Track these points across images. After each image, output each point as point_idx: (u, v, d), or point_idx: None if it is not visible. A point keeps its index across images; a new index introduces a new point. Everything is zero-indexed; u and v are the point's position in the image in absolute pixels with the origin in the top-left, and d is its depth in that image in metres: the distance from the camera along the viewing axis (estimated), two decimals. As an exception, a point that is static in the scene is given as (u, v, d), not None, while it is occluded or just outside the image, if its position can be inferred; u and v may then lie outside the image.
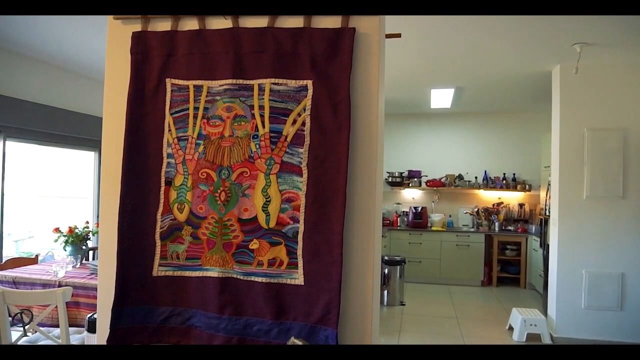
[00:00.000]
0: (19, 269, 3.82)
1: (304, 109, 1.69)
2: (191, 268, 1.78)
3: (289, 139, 1.70)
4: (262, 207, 1.71)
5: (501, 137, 7.41)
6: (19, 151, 5.19)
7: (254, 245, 1.71)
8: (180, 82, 1.81)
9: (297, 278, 1.67)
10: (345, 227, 1.63)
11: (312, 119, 1.68)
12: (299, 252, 1.67)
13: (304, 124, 1.68)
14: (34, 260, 4.41)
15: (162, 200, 1.80)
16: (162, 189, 1.81)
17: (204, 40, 1.78)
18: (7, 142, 4.55)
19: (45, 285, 3.49)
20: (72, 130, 5.14)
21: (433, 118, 7.61)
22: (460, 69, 4.96)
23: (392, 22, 3.13)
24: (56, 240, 4.13)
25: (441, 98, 6.32)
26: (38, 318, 2.93)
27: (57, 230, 4.16)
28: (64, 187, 6.06)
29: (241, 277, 1.72)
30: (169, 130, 1.81)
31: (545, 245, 5.52)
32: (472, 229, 7.20)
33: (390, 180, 7.57)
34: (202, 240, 1.76)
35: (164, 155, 1.81)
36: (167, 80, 1.81)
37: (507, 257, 6.99)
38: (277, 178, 1.70)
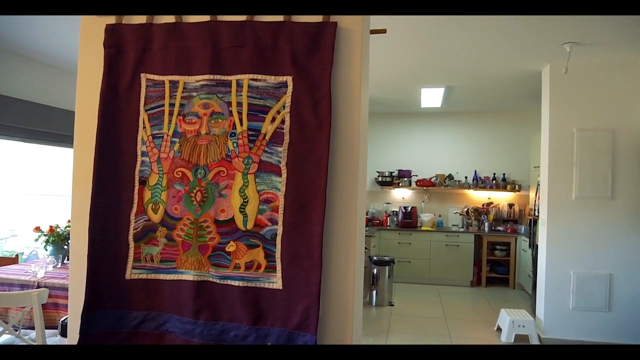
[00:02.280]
0: (-2, 269, 3.72)
1: (284, 106, 1.62)
2: (166, 271, 1.71)
3: (267, 137, 1.63)
4: (240, 208, 1.64)
5: (491, 137, 7.39)
6: (2, 148, 5.08)
7: (230, 247, 1.65)
8: (156, 77, 1.73)
9: (275, 282, 1.61)
10: (326, 229, 1.57)
11: (292, 116, 1.61)
12: (278, 255, 1.61)
13: (283, 121, 1.62)
14: (14, 260, 4.31)
15: (136, 200, 1.73)
16: (136, 188, 1.73)
17: (181, 33, 1.71)
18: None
19: (24, 286, 3.39)
20: (57, 126, 5.02)
21: (423, 117, 7.57)
22: (450, 68, 4.92)
23: (380, 19, 3.07)
24: (37, 240, 4.03)
25: (431, 97, 6.28)
26: (13, 320, 2.85)
27: (37, 229, 4.06)
28: (48, 185, 5.95)
29: (217, 281, 1.66)
30: (144, 128, 1.73)
31: (534, 246, 5.50)
32: (462, 229, 7.18)
33: (380, 179, 7.53)
34: (177, 242, 1.69)
35: (138, 153, 1.74)
36: (142, 75, 1.74)
37: (497, 257, 6.98)
38: (255, 178, 1.64)
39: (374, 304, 5.79)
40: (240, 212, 1.64)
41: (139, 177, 1.73)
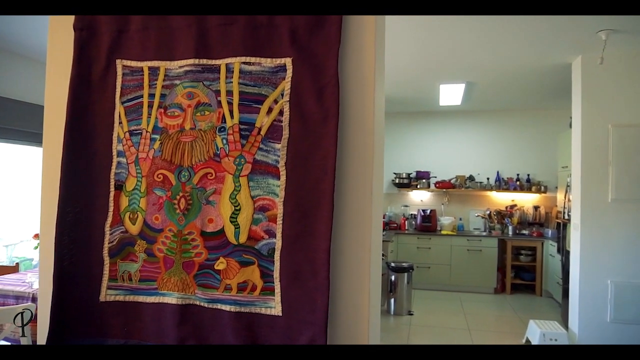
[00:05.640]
0: (-6, 278, 3.55)
1: (282, 95, 1.35)
2: (146, 292, 1.44)
3: (263, 132, 1.36)
4: (231, 217, 1.37)
5: (515, 136, 7.02)
6: (14, 152, 4.97)
7: (220, 265, 1.38)
8: (133, 63, 1.48)
9: (274, 307, 1.33)
10: (333, 242, 1.29)
11: (292, 106, 1.34)
12: (276, 274, 1.33)
13: (281, 112, 1.35)
14: (14, 269, 4.13)
15: (111, 209, 1.47)
16: (112, 194, 1.48)
17: (162, 11, 1.45)
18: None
19: (18, 297, 3.24)
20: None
21: (442, 116, 7.25)
22: (471, 63, 4.60)
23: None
24: (36, 248, 3.85)
25: (451, 94, 5.96)
26: (3, 333, 2.67)
27: (37, 236, 3.86)
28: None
29: (205, 305, 1.39)
30: (120, 123, 1.48)
31: (563, 251, 5.14)
32: (484, 233, 6.82)
33: (397, 181, 7.22)
34: (158, 257, 1.43)
35: (114, 153, 1.48)
36: (118, 61, 1.49)
37: (522, 262, 6.60)
38: (248, 181, 1.36)
39: (392, 312, 5.48)
40: (232, 222, 1.37)
41: (115, 181, 1.48)
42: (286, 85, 1.34)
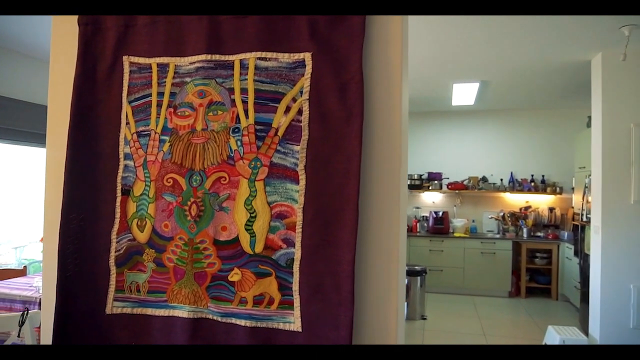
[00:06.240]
0: (1, 282, 3.48)
1: (301, 92, 1.25)
2: (155, 305, 1.35)
3: (280, 133, 1.26)
4: (246, 225, 1.27)
5: (529, 136, 6.87)
6: (21, 153, 4.93)
7: (234, 276, 1.28)
8: (141, 60, 1.38)
9: (293, 322, 1.23)
10: (358, 252, 1.18)
11: (312, 105, 1.23)
12: (295, 287, 1.23)
13: (300, 112, 1.24)
14: (22, 272, 4.07)
15: (118, 215, 1.38)
16: (118, 199, 1.38)
17: (171, 4, 1.36)
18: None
19: (26, 302, 3.18)
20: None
21: (455, 116, 7.12)
22: (485, 61, 4.48)
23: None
24: (43, 251, 3.78)
25: (464, 94, 5.83)
26: (10, 339, 2.60)
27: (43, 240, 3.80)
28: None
29: (218, 319, 1.29)
30: (127, 124, 1.39)
31: (581, 254, 4.99)
32: (498, 235, 6.68)
33: (409, 182, 7.10)
34: (168, 268, 1.34)
35: (121, 155, 1.39)
36: (125, 58, 1.39)
37: (537, 265, 6.45)
38: (264, 186, 1.26)
39: (405, 317, 5.36)
40: (247, 230, 1.27)
41: (122, 186, 1.38)
42: (305, 82, 1.24)
